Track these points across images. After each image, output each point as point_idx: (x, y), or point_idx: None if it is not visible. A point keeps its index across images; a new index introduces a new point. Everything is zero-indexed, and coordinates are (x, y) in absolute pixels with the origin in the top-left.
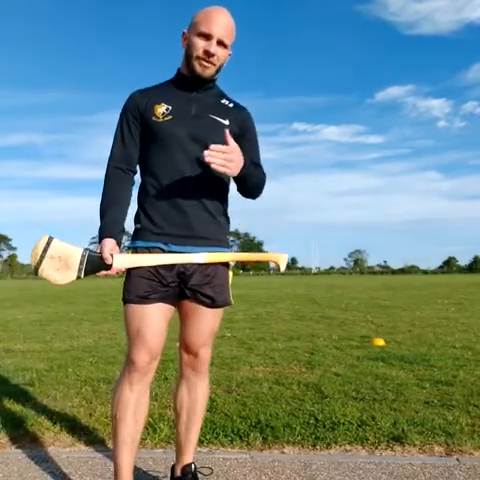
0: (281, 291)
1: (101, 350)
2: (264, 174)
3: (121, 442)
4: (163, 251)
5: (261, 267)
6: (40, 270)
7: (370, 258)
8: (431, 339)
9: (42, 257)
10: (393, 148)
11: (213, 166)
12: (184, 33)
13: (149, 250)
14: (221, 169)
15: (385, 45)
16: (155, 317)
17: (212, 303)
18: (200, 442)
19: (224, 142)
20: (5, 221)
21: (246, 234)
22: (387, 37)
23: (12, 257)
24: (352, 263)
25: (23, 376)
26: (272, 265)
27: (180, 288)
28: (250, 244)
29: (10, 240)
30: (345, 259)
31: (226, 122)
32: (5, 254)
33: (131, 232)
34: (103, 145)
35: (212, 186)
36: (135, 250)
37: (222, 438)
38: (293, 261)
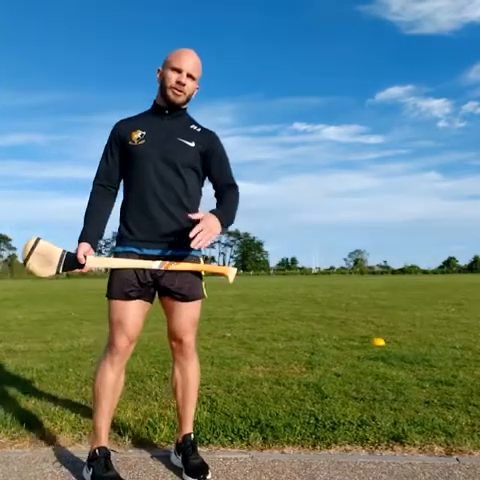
0: (281, 291)
1: (101, 350)
2: (237, 193)
3: (102, 411)
4: (137, 254)
5: (261, 267)
6: (28, 264)
7: (370, 258)
8: (431, 339)
9: (30, 253)
10: (393, 148)
11: (201, 245)
12: (159, 70)
13: (126, 254)
14: (208, 243)
15: (385, 45)
16: (134, 311)
17: (185, 299)
18: (200, 442)
19: (191, 221)
20: (5, 221)
21: (246, 234)
22: (387, 37)
23: (12, 257)
24: (352, 263)
25: (23, 376)
26: (272, 265)
27: (156, 287)
28: (250, 244)
29: (10, 240)
30: (345, 259)
31: (192, 144)
32: (5, 254)
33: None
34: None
35: (179, 199)
36: (116, 254)
37: (222, 438)
38: (293, 261)
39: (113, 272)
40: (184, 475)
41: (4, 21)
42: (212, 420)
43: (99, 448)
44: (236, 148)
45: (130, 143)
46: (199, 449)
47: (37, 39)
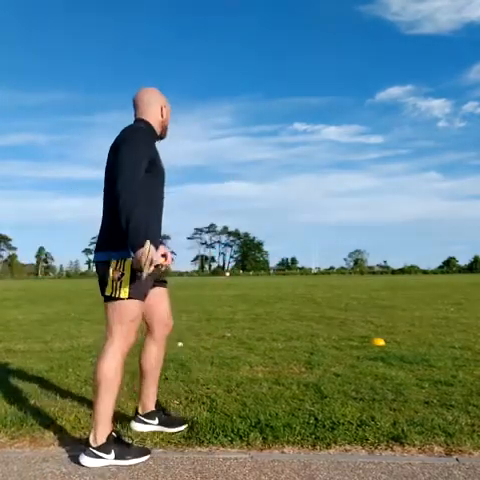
0: (281, 291)
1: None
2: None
3: (112, 397)
4: None
5: (261, 267)
6: (148, 270)
7: (370, 258)
8: (430, 339)
9: (150, 261)
10: (393, 148)
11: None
12: (162, 108)
13: None
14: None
15: (385, 45)
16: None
17: (166, 285)
18: (200, 442)
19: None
20: (5, 221)
21: (246, 234)
22: (387, 37)
23: (12, 257)
24: (352, 263)
25: (23, 376)
26: (272, 265)
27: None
28: (250, 244)
29: (10, 240)
30: (345, 259)
31: None
32: (5, 254)
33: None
34: (103, 145)
35: None
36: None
37: (222, 438)
38: (293, 261)
39: (136, 273)
40: (172, 429)
41: (4, 21)
42: (212, 420)
43: (111, 433)
44: (236, 148)
45: (162, 164)
46: (199, 449)
47: (37, 39)
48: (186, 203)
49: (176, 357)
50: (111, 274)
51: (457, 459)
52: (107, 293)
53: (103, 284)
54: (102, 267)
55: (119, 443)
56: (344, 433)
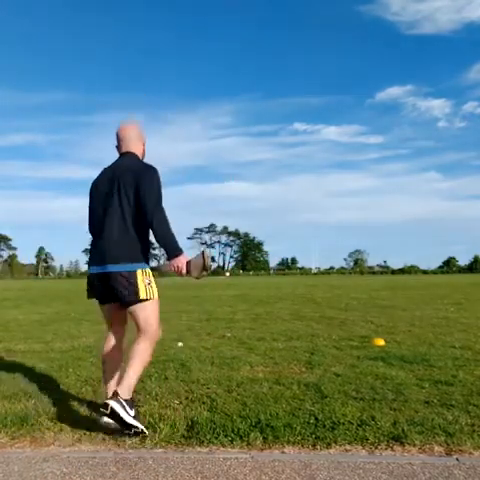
0: (281, 291)
1: (101, 350)
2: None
3: (141, 371)
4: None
5: (261, 267)
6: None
7: (370, 258)
8: (431, 339)
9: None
10: (393, 148)
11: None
12: (144, 144)
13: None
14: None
15: (385, 45)
16: None
17: None
18: (200, 442)
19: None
20: (5, 221)
21: (246, 234)
22: (387, 37)
23: (12, 257)
24: (352, 263)
25: (23, 376)
26: (272, 265)
27: None
28: (250, 244)
29: (10, 240)
30: (345, 259)
31: None
32: (5, 254)
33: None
34: (102, 145)
35: None
36: (153, 269)
37: (222, 438)
38: (293, 261)
39: (155, 278)
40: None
41: (4, 21)
42: (212, 420)
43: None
44: (236, 148)
45: None
46: (199, 449)
47: (37, 39)
48: (186, 203)
49: (176, 357)
50: (143, 281)
51: (457, 459)
52: (142, 297)
53: (129, 290)
54: (127, 275)
55: (136, 409)
56: (344, 433)
